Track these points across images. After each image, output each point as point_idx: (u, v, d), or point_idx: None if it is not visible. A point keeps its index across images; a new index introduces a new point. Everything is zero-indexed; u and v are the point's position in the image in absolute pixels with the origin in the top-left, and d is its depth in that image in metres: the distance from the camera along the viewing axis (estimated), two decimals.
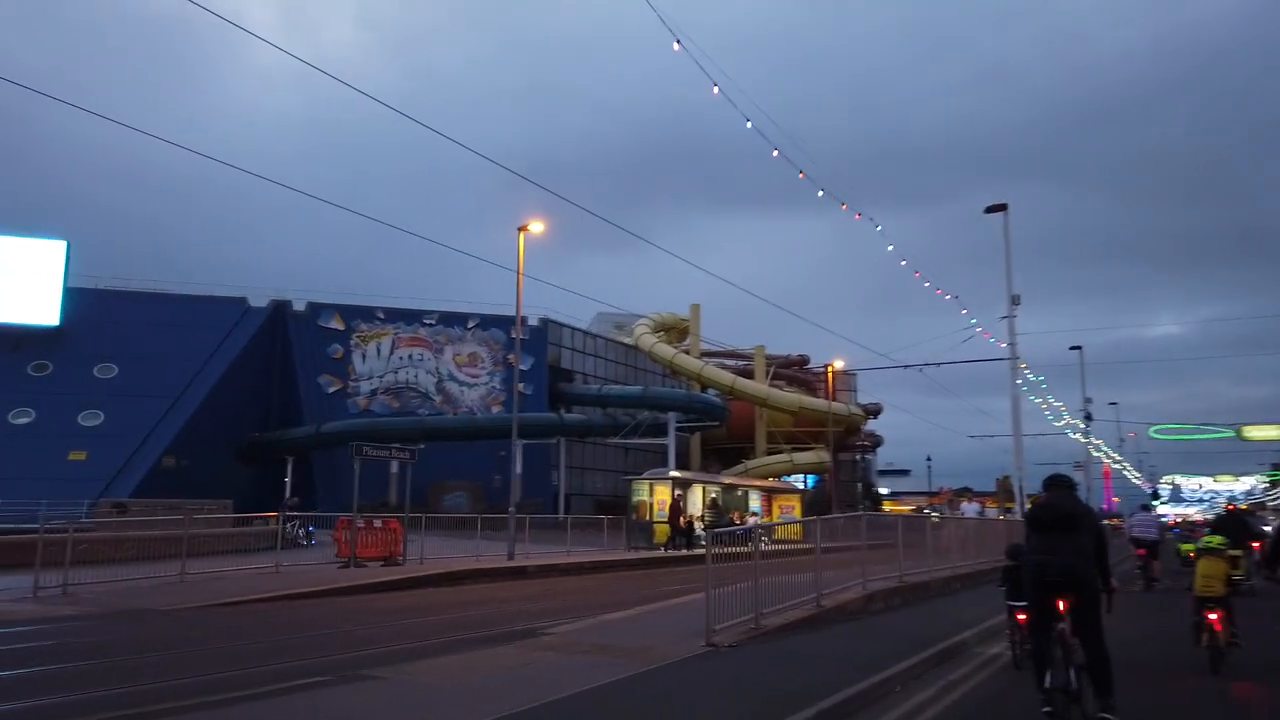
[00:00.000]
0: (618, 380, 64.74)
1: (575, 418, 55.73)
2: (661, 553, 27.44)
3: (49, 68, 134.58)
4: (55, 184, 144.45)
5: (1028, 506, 31.92)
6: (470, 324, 58.82)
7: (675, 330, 71.49)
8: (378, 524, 21.14)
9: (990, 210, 31.05)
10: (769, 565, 11.18)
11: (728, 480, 36.15)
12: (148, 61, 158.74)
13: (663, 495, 30.14)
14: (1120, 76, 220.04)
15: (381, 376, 55.97)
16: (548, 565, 21.91)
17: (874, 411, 76.78)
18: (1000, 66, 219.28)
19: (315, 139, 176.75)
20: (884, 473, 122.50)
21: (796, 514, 38.82)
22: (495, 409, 56.96)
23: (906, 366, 33.30)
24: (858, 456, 74.46)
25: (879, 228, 33.79)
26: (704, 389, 64.26)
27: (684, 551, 27.51)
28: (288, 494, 51.67)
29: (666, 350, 63.34)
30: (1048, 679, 6.33)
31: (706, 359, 71.61)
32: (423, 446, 51.22)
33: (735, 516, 30.73)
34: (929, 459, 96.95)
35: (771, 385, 67.19)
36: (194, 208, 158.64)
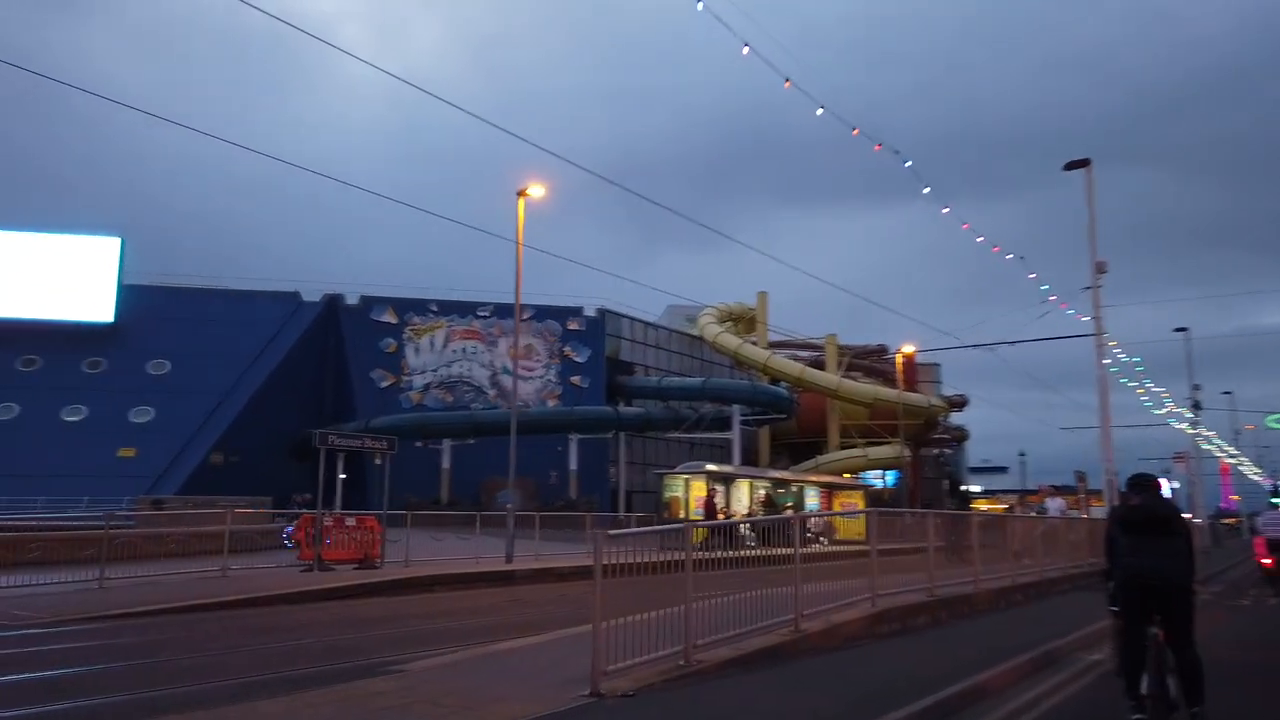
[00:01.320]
0: (682, 373, 62.07)
1: (632, 411, 53.31)
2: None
3: (153, 83, 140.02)
4: (149, 192, 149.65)
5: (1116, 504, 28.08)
6: (526, 315, 56.86)
7: (743, 321, 68.29)
8: (350, 522, 19.08)
9: (1070, 167, 27.35)
10: (723, 578, 8.53)
11: (779, 475, 33.14)
12: (243, 74, 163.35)
13: (700, 491, 27.46)
14: (1212, 56, 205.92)
15: (435, 370, 54.61)
16: (545, 570, 19.51)
17: (958, 403, 72.13)
18: (1085, 50, 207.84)
19: (405, 145, 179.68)
20: (978, 470, 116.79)
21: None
22: (551, 403, 55.03)
23: (976, 346, 29.80)
24: (937, 451, 69.93)
25: (958, 217, 30.38)
26: (774, 381, 61.10)
27: (719, 553, 24.76)
28: (337, 491, 51.01)
29: (731, 340, 60.33)
30: (1142, 685, 6.24)
31: (777, 350, 68.26)
32: (472, 442, 50.11)
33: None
34: (1022, 454, 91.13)
35: (845, 376, 63.37)
36: (285, 215, 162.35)
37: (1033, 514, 26.55)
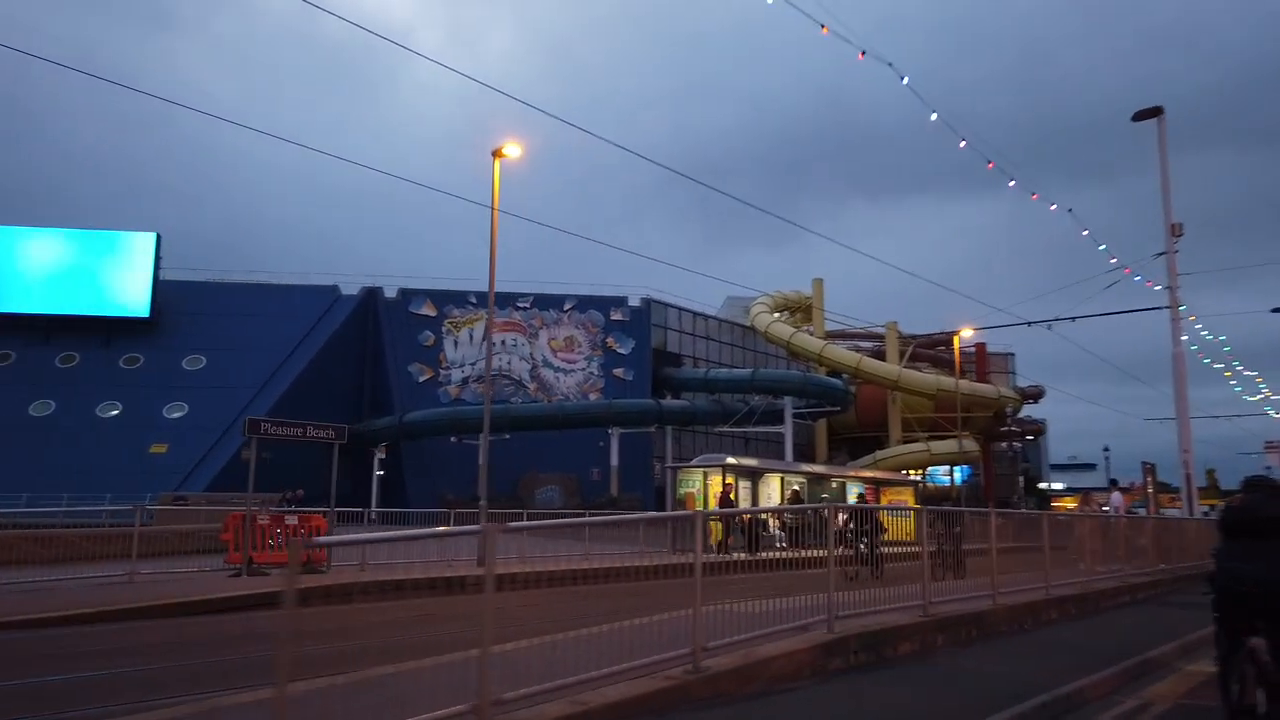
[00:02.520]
0: (734, 365, 59.35)
1: (676, 404, 50.84)
2: (712, 556, 22.21)
3: (238, 93, 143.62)
4: (239, 198, 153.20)
5: (1198, 500, 24.58)
6: (567, 305, 55.04)
7: (800, 310, 65.16)
8: (292, 521, 17.16)
9: (1139, 117, 24.00)
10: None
11: (816, 469, 30.30)
12: (322, 82, 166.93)
13: (718, 487, 24.91)
14: None
15: (473, 364, 53.06)
16: (524, 574, 17.21)
17: (1034, 395, 67.70)
18: (1176, 27, 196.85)
19: (481, 148, 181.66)
20: (1062, 467, 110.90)
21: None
22: (593, 396, 52.95)
23: (1031, 323, 26.50)
24: (1007, 445, 65.55)
25: (1045, 202, 27.17)
26: (834, 374, 58.02)
27: (741, 555, 22.20)
28: (373, 489, 49.88)
29: (783, 329, 57.34)
30: (1234, 695, 5.93)
31: (836, 340, 64.94)
32: (508, 437, 48.28)
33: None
34: (1106, 449, 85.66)
35: (909, 366, 59.75)
36: (362, 215, 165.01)
37: (1099, 510, 23.33)
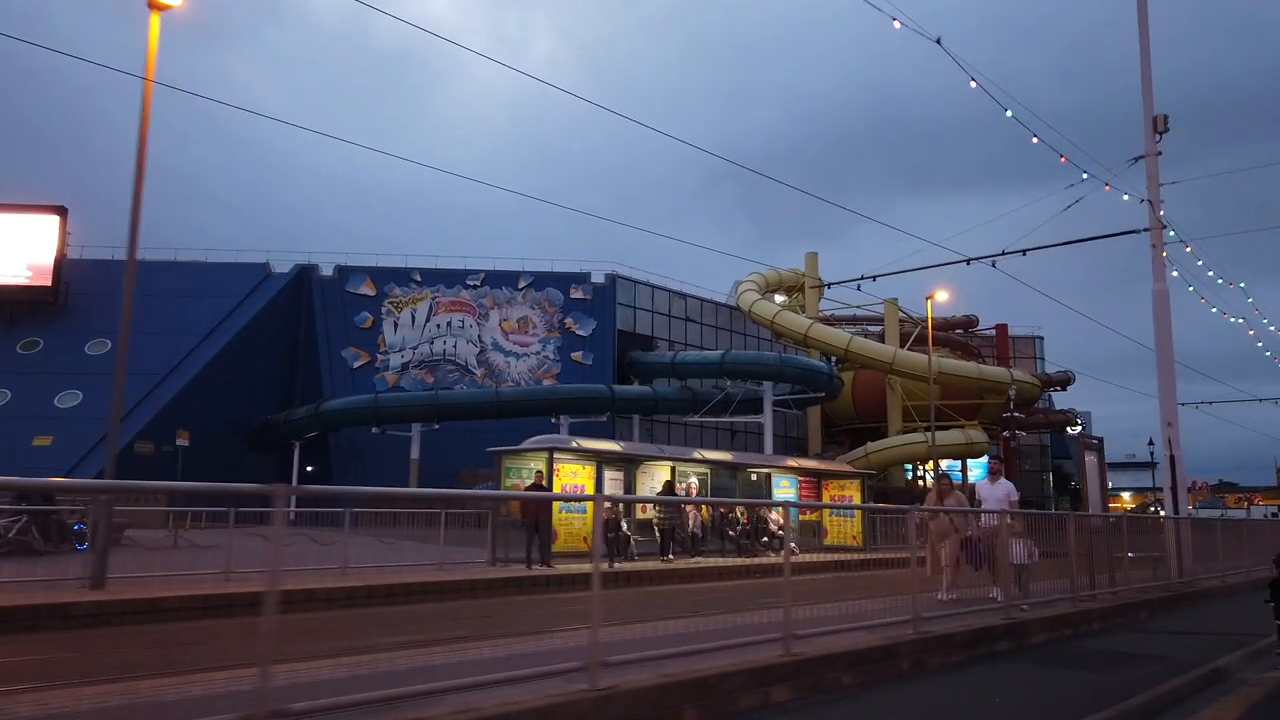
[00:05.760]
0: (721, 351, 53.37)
1: (632, 390, 45.09)
2: (526, 569, 16.57)
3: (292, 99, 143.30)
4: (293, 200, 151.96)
5: (1187, 496, 18.14)
6: (521, 283, 49.68)
7: (797, 290, 58.94)
8: None
9: None
10: None
11: (721, 457, 24.26)
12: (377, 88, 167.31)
13: (566, 479, 19.26)
14: None
15: (415, 348, 48.00)
16: (362, 587, 12.34)
17: (1060, 381, 60.47)
18: (1235, 7, 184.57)
19: (525, 153, 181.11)
20: (1119, 465, 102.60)
21: (856, 504, 26.45)
22: (548, 383, 47.49)
23: (970, 260, 20.26)
24: (1013, 435, 58.23)
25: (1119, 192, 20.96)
26: (832, 359, 51.81)
27: (545, 569, 16.57)
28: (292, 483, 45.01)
29: (767, 308, 51.24)
30: None
31: (846, 326, 58.62)
32: (437, 427, 43.08)
33: None
34: (1151, 443, 77.33)
35: (914, 350, 53.15)
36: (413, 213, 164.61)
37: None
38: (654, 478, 21.69)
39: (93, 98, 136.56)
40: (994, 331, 63.07)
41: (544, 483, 17.35)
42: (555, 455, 19.35)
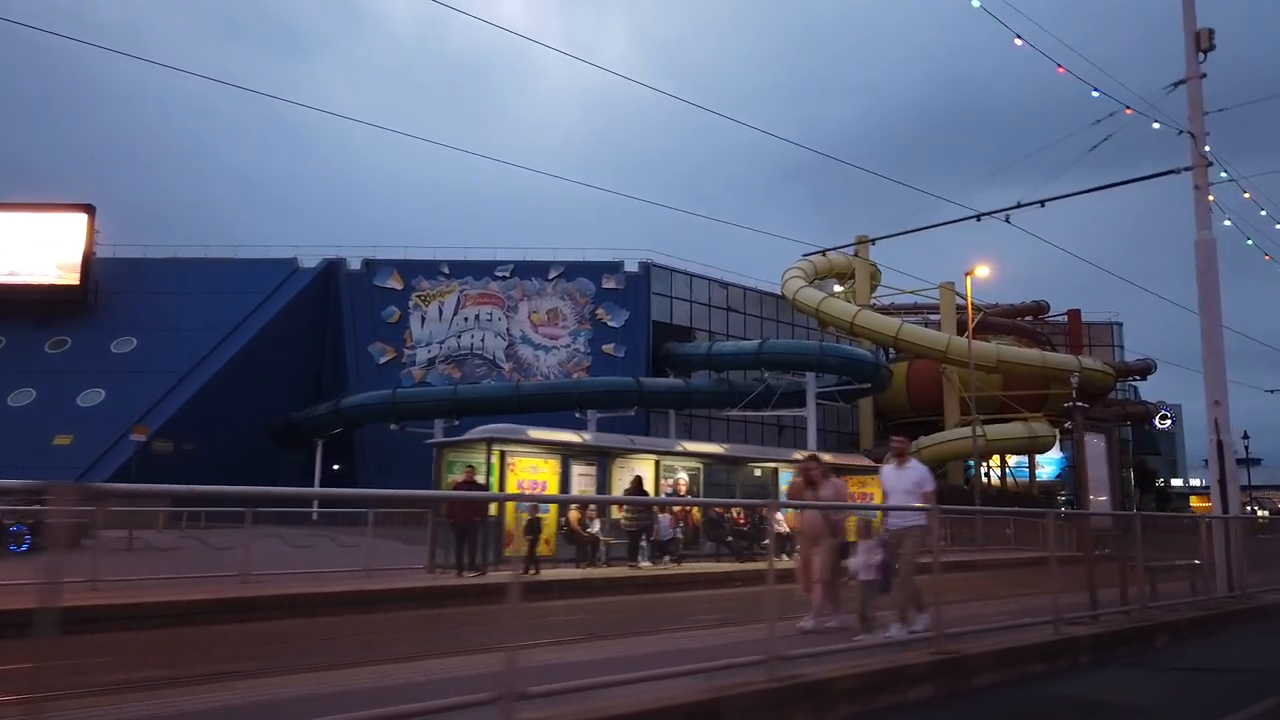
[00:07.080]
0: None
1: (662, 383, 42.74)
2: (458, 577, 14.49)
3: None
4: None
5: (1234, 491, 14.85)
6: (552, 274, 47.79)
7: (850, 277, 55.69)
8: None
9: None
10: None
11: (715, 450, 21.69)
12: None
13: (524, 475, 17.14)
14: None
15: (441, 342, 46.55)
16: (269, 596, 10.67)
17: (1139, 370, 55.93)
18: None
19: (601, 157, 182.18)
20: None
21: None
22: (578, 377, 45.49)
23: (980, 216, 17.29)
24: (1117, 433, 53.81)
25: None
26: (883, 348, 48.65)
27: (477, 577, 14.44)
28: (315, 483, 43.92)
29: (812, 294, 48.27)
30: None
31: (908, 316, 55.19)
32: (457, 423, 41.40)
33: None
34: (1246, 436, 71.41)
35: (977, 337, 49.45)
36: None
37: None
38: (626, 471, 19.37)
39: (122, 96, 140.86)
40: (1065, 318, 58.77)
41: (476, 478, 15.22)
42: (506, 448, 17.19)
